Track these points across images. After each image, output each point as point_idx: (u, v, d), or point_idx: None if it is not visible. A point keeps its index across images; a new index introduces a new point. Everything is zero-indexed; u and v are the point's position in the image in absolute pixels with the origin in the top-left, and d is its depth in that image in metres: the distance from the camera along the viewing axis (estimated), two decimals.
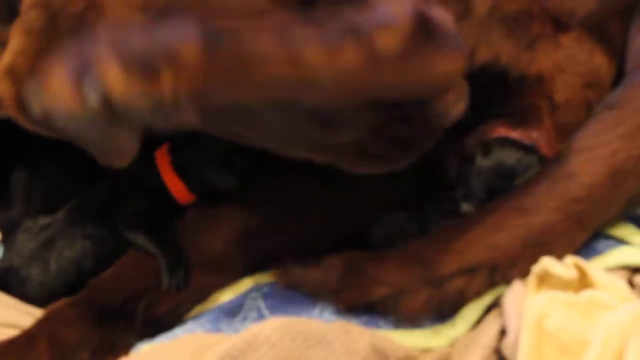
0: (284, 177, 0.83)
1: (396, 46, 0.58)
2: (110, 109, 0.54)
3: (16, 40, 0.63)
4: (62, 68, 0.55)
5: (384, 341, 0.72)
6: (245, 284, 0.83)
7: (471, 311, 0.76)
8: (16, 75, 0.62)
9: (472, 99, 0.73)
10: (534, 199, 0.76)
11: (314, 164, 0.73)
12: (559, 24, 0.86)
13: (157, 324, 0.79)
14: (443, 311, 0.75)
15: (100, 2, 0.62)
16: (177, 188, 0.84)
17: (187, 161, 0.84)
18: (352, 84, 0.59)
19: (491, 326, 0.72)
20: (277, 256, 0.81)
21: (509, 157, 0.82)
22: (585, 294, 0.70)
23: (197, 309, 0.82)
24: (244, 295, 0.82)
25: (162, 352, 0.73)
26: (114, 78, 0.53)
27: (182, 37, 0.54)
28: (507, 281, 0.75)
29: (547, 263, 0.72)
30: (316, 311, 0.78)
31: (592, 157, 0.77)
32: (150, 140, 0.70)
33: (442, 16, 0.63)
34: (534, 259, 0.73)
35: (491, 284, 0.75)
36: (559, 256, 0.74)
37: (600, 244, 0.79)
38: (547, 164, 0.81)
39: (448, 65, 0.62)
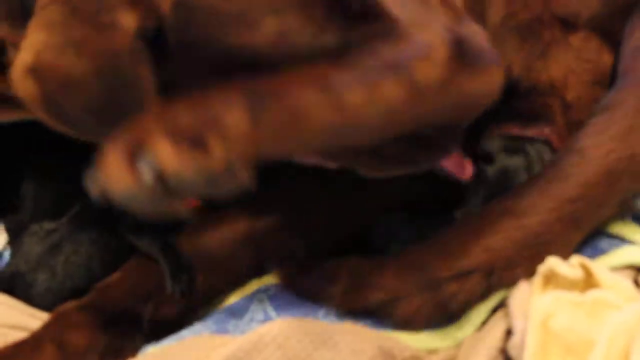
0: (286, 179, 0.83)
1: (436, 75, 0.58)
2: (164, 185, 0.54)
3: (35, 36, 0.60)
4: (116, 148, 0.54)
5: (390, 342, 0.72)
6: (252, 286, 0.83)
7: (477, 312, 0.75)
8: (40, 73, 0.59)
9: None
10: (529, 200, 0.76)
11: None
12: (567, 25, 0.87)
13: (164, 327, 0.79)
14: (440, 315, 0.75)
15: None
16: None
17: None
18: (396, 119, 0.59)
19: (497, 327, 0.72)
20: (281, 257, 0.81)
21: (515, 163, 0.83)
22: (591, 294, 0.70)
23: (203, 310, 0.82)
24: (250, 297, 0.82)
25: (169, 353, 0.73)
26: (167, 154, 0.53)
27: (225, 104, 0.55)
28: (504, 284, 0.75)
29: (552, 263, 0.72)
30: (322, 312, 0.78)
31: (586, 158, 0.77)
32: None
33: (475, 31, 0.63)
34: (531, 261, 0.73)
35: (488, 287, 0.75)
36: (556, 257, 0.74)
37: (605, 243, 0.79)
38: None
39: (487, 81, 0.62)
